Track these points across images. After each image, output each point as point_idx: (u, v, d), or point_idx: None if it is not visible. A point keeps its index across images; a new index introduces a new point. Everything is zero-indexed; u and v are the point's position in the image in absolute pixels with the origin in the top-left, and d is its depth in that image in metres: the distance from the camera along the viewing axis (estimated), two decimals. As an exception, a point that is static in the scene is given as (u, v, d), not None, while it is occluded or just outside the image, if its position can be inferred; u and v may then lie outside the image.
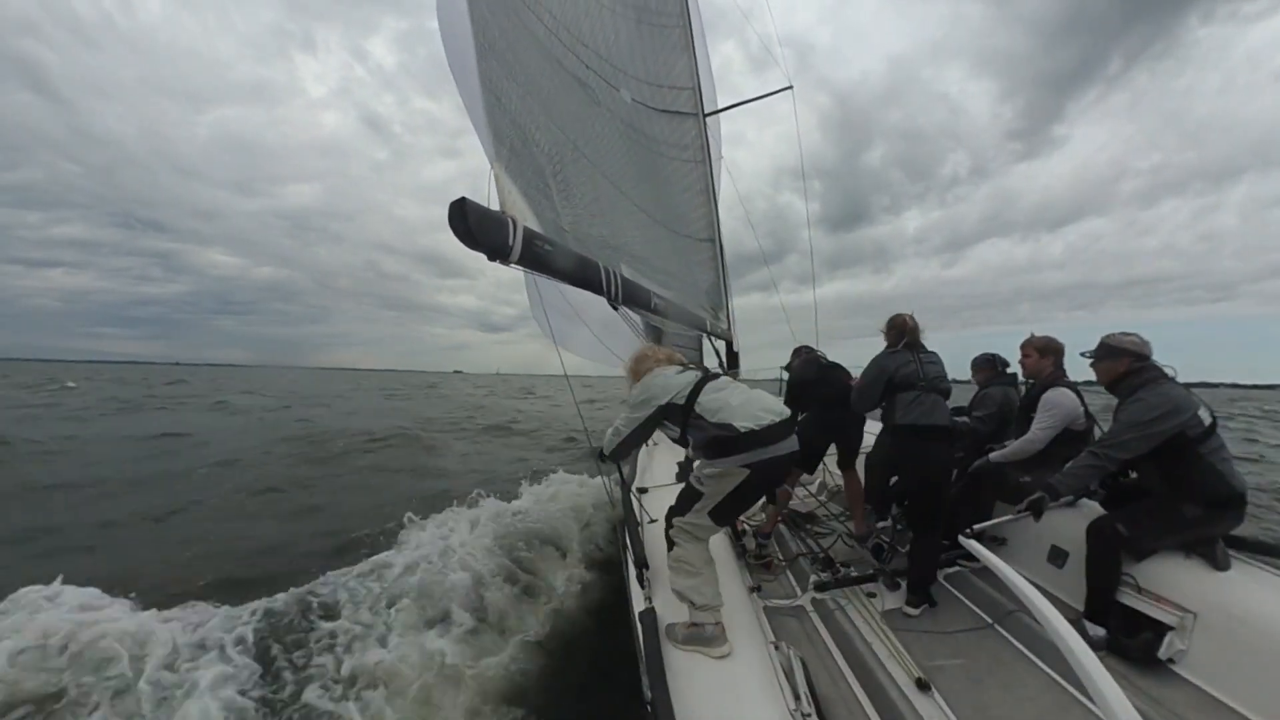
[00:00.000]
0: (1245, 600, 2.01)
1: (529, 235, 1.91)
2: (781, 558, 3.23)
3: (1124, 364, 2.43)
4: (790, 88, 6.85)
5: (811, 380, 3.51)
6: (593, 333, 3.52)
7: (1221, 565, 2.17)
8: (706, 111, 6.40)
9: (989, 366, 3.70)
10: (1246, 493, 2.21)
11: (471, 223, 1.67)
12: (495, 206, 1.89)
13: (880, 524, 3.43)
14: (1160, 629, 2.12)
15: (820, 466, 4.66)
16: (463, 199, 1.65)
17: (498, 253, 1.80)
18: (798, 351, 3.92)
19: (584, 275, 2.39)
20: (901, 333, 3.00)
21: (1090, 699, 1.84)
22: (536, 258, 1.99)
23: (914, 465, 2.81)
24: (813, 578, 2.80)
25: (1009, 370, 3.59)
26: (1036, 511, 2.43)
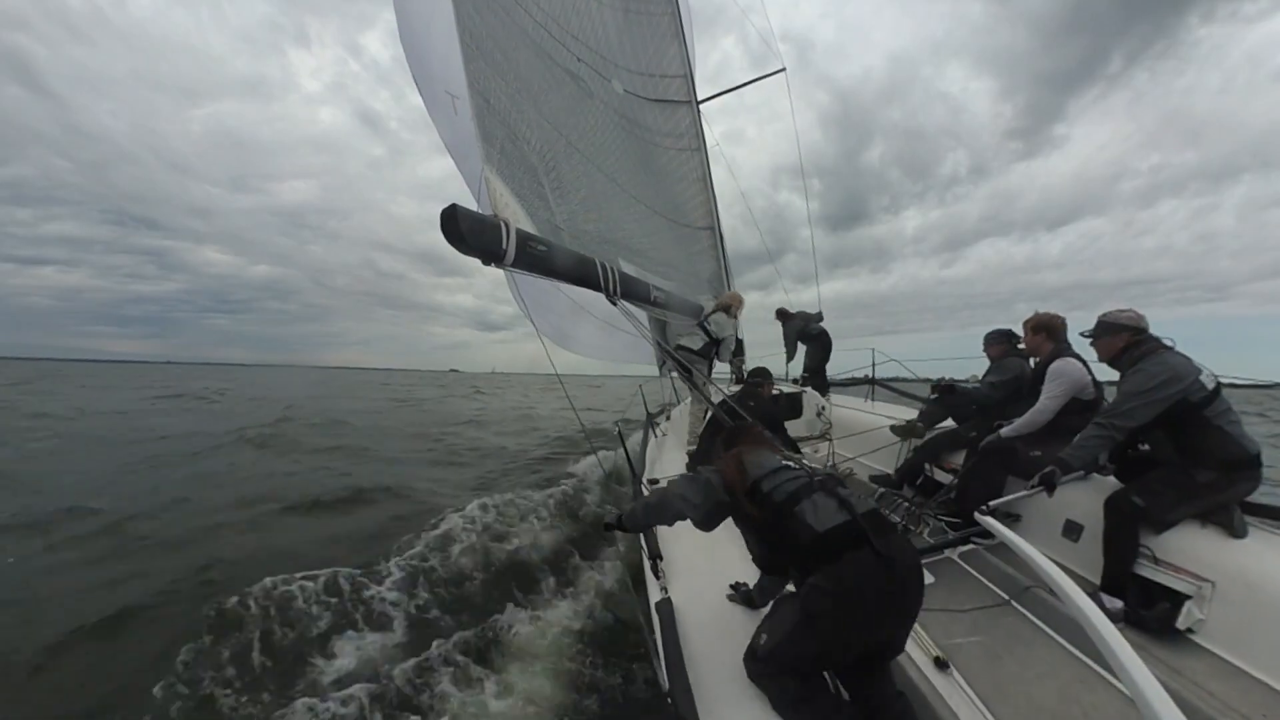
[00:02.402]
0: (1263, 566, 1.98)
1: (523, 237, 1.91)
2: None
3: (1123, 339, 2.42)
4: (783, 70, 6.76)
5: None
6: (593, 331, 3.52)
7: (1239, 532, 2.14)
8: (699, 99, 6.34)
9: (1004, 340, 3.69)
10: (1260, 455, 2.18)
11: (464, 229, 1.67)
12: (488, 210, 1.90)
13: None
14: (1178, 599, 2.09)
15: (830, 449, 4.69)
16: (454, 206, 1.65)
17: (492, 256, 1.81)
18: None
19: (580, 273, 2.39)
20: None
21: (1111, 672, 1.84)
22: (531, 259, 1.99)
23: None
24: None
25: (1021, 347, 3.58)
26: (1049, 486, 2.42)
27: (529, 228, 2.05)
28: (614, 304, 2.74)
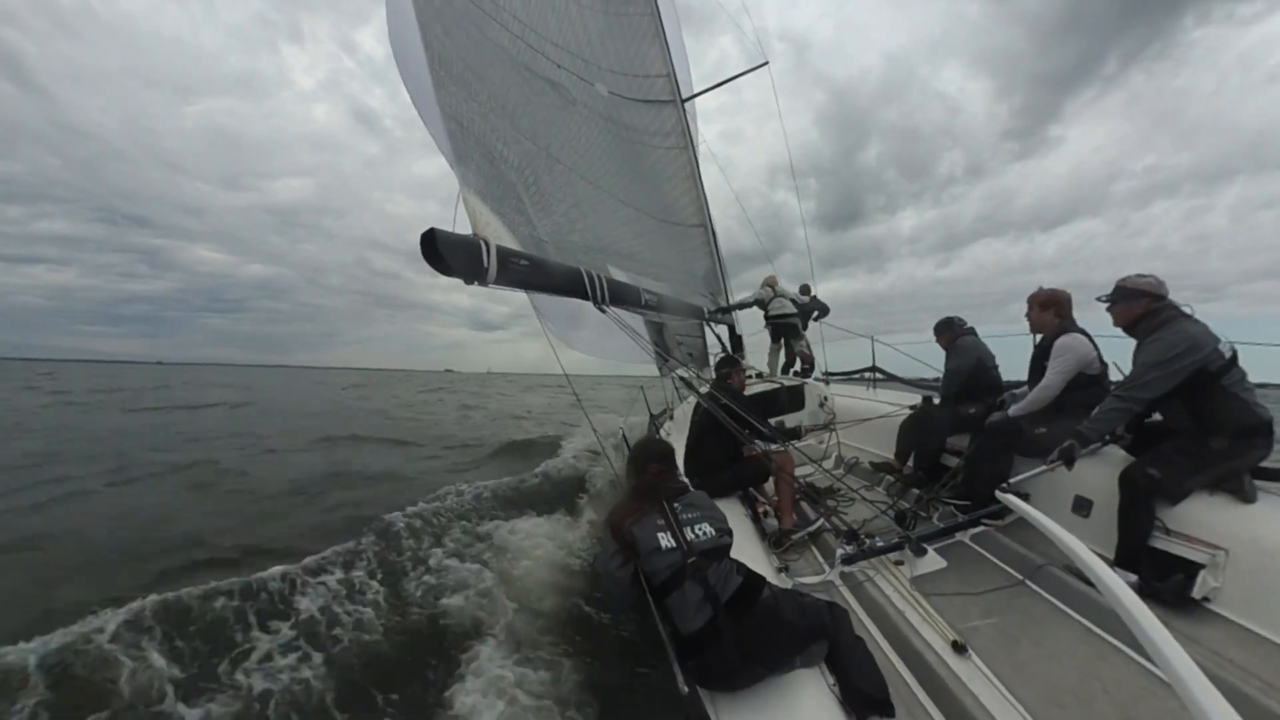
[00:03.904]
0: (1275, 531, 1.95)
1: (504, 254, 1.93)
2: (805, 535, 3.22)
3: (1141, 305, 2.36)
4: (766, 64, 6.72)
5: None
6: (593, 330, 3.53)
7: (1249, 497, 2.11)
8: (684, 97, 6.34)
9: (948, 328, 3.77)
10: (1272, 421, 2.14)
11: (443, 251, 1.70)
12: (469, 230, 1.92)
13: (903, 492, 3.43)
14: (1192, 569, 2.06)
15: (835, 440, 4.67)
16: (432, 230, 1.68)
17: (474, 276, 1.83)
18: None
19: (567, 284, 2.41)
20: None
21: (1130, 647, 1.82)
22: (514, 275, 2.01)
23: None
24: (839, 552, 2.78)
25: (968, 326, 3.72)
26: (1069, 460, 2.39)
27: (512, 244, 2.07)
28: (603, 311, 2.75)
